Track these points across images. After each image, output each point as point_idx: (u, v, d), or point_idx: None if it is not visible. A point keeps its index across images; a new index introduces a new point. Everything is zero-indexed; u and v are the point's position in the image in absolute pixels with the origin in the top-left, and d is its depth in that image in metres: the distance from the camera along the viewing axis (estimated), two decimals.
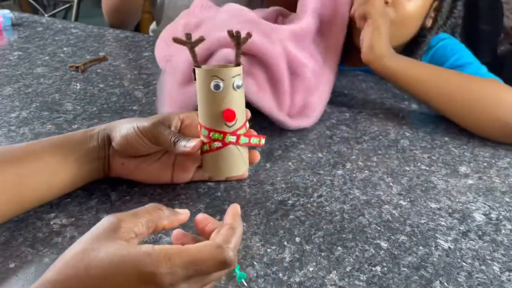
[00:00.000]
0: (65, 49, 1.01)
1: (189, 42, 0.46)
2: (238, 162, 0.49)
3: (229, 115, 0.47)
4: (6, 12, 1.18)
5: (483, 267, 0.44)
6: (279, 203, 0.52)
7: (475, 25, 1.62)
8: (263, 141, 0.50)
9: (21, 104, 0.75)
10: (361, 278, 0.42)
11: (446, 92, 0.69)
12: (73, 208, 0.50)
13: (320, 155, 0.63)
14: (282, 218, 0.50)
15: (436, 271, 0.44)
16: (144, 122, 0.49)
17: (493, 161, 0.63)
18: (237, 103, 0.47)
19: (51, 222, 0.48)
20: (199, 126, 0.49)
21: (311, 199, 0.53)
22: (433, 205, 0.53)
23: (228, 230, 0.36)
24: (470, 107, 0.67)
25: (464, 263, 0.45)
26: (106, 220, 0.34)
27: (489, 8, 1.61)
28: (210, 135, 0.47)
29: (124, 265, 0.31)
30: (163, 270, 0.31)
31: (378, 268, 0.44)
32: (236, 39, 0.46)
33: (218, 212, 0.50)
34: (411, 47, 0.84)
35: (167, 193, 0.53)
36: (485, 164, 0.62)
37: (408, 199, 0.54)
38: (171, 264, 0.31)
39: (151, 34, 1.31)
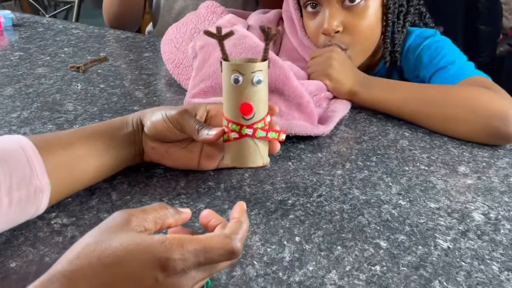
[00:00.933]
0: (66, 49, 1.01)
1: (218, 36, 0.49)
2: (254, 154, 0.51)
3: (246, 109, 0.49)
4: (7, 12, 1.18)
5: (482, 267, 0.45)
6: (279, 202, 0.53)
7: (475, 26, 1.63)
8: (283, 136, 0.52)
9: (22, 104, 0.75)
10: (361, 277, 0.43)
11: (426, 110, 0.69)
12: (74, 207, 0.51)
13: (320, 155, 0.63)
14: (282, 218, 0.50)
15: (435, 270, 0.44)
16: (172, 111, 0.53)
17: (492, 161, 0.63)
18: (256, 98, 0.49)
19: (52, 222, 0.48)
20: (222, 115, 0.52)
21: (311, 199, 0.53)
22: (432, 205, 0.53)
23: (235, 223, 0.37)
24: (453, 119, 0.67)
25: (463, 263, 0.45)
26: (118, 214, 0.35)
27: (488, 9, 1.62)
28: (229, 126, 0.50)
29: (138, 252, 0.32)
30: (176, 256, 0.32)
31: (378, 267, 0.44)
32: (266, 34, 0.48)
33: (218, 212, 0.50)
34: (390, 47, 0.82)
35: (168, 193, 0.54)
36: (484, 164, 0.62)
37: (408, 199, 0.54)
38: (184, 250, 0.32)
39: (146, 35, 1.31)
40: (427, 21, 0.86)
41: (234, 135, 0.50)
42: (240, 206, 0.40)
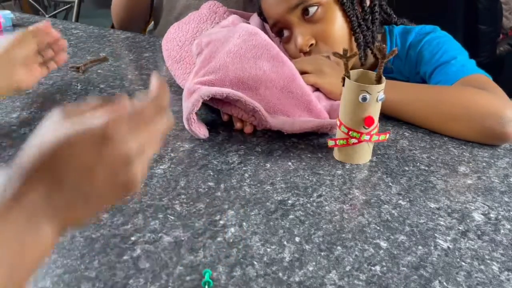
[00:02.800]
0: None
1: (345, 57, 0.58)
2: (366, 154, 0.61)
3: (370, 122, 0.57)
4: (7, 12, 1.18)
5: (482, 267, 0.45)
6: (279, 203, 0.53)
7: (475, 26, 1.63)
8: (387, 136, 0.61)
9: (22, 104, 0.75)
10: (361, 277, 0.43)
11: (423, 111, 0.69)
12: None
13: (320, 155, 0.63)
14: (282, 218, 0.50)
15: (435, 270, 0.44)
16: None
17: (492, 161, 0.63)
18: (376, 111, 0.58)
19: None
20: (338, 122, 0.60)
21: (311, 199, 0.53)
22: (432, 205, 0.53)
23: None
24: (449, 119, 0.67)
25: (463, 263, 0.45)
26: (54, 113, 0.36)
27: (488, 9, 1.62)
28: (349, 133, 0.58)
29: (77, 134, 0.33)
30: (110, 122, 0.33)
31: (378, 267, 0.44)
32: (381, 52, 0.55)
33: (217, 212, 0.51)
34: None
35: (168, 193, 0.54)
36: (484, 164, 0.62)
37: (408, 199, 0.54)
38: (116, 116, 0.34)
39: (146, 34, 1.31)
40: (387, 11, 0.85)
41: (353, 140, 0.59)
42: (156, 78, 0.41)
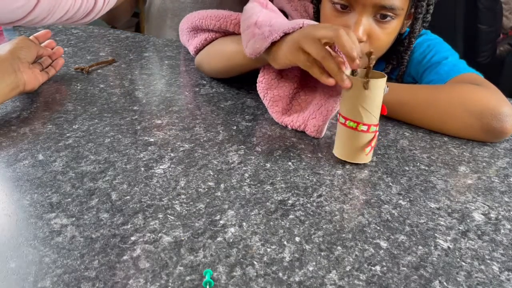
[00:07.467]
0: (66, 49, 1.01)
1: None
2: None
3: (383, 109, 0.59)
4: None
5: (482, 267, 0.45)
6: (279, 203, 0.53)
7: (475, 26, 1.63)
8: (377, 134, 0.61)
9: (22, 104, 0.75)
10: (361, 277, 0.43)
11: (420, 110, 0.69)
12: (73, 207, 0.50)
13: (320, 155, 0.63)
14: (282, 218, 0.50)
15: (436, 270, 0.44)
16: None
17: (492, 161, 0.63)
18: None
19: (52, 222, 0.48)
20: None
21: (311, 199, 0.53)
22: (433, 205, 0.53)
23: None
24: (447, 117, 0.67)
25: (463, 263, 0.45)
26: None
27: (488, 9, 1.62)
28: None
29: None
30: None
31: (378, 267, 0.44)
32: (368, 56, 0.57)
33: (217, 212, 0.51)
34: (398, 50, 0.82)
35: (168, 193, 0.53)
36: (484, 164, 0.62)
37: (408, 199, 0.54)
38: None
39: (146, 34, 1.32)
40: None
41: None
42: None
